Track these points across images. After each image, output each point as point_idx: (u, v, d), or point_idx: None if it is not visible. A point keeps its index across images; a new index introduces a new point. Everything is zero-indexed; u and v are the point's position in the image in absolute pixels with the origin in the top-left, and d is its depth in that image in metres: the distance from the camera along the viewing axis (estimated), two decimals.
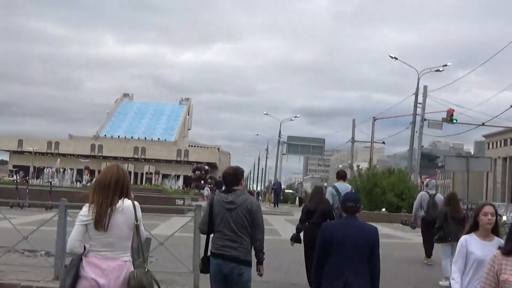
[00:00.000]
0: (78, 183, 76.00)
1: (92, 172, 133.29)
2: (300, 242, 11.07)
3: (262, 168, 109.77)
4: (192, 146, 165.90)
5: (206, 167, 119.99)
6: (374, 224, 6.98)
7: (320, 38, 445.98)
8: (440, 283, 12.37)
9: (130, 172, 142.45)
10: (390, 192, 34.57)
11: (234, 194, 6.84)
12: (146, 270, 5.21)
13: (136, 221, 5.17)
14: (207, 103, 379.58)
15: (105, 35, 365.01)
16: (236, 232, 6.71)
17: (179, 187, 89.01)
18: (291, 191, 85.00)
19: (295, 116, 78.29)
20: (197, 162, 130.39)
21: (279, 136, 70.95)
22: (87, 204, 5.19)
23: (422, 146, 45.86)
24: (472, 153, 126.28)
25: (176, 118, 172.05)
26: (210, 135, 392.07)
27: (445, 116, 43.96)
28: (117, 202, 5.15)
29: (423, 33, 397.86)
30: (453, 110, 44.14)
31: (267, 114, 76.35)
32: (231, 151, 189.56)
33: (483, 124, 41.57)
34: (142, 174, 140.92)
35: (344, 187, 12.72)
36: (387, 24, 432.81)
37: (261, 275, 7.05)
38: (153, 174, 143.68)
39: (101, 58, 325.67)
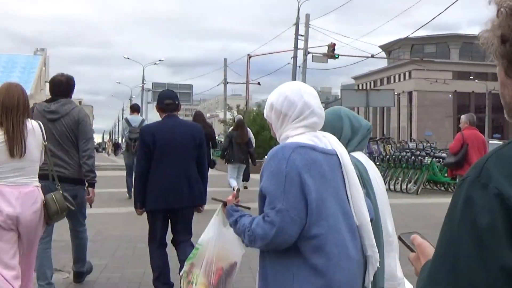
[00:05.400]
0: None
1: None
2: None
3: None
4: None
5: None
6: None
7: None
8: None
9: None
10: None
11: (58, 103, 5.75)
12: (61, 192, 4.80)
13: (45, 141, 4.73)
14: (64, 56, 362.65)
15: None
16: (63, 146, 5.67)
17: None
18: None
19: (160, 60, 71.74)
20: None
21: (143, 82, 64.65)
22: None
23: None
24: (340, 97, 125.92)
25: (32, 69, 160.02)
26: None
27: (326, 51, 40.34)
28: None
29: None
30: (334, 44, 40.45)
31: (128, 58, 69.35)
32: (94, 104, 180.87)
33: (372, 56, 37.75)
34: None
35: (136, 119, 13.85)
36: None
37: (92, 201, 5.92)
38: None
39: None
